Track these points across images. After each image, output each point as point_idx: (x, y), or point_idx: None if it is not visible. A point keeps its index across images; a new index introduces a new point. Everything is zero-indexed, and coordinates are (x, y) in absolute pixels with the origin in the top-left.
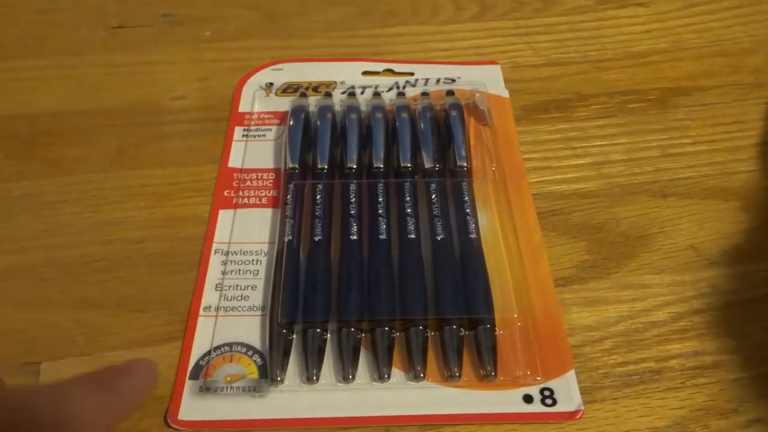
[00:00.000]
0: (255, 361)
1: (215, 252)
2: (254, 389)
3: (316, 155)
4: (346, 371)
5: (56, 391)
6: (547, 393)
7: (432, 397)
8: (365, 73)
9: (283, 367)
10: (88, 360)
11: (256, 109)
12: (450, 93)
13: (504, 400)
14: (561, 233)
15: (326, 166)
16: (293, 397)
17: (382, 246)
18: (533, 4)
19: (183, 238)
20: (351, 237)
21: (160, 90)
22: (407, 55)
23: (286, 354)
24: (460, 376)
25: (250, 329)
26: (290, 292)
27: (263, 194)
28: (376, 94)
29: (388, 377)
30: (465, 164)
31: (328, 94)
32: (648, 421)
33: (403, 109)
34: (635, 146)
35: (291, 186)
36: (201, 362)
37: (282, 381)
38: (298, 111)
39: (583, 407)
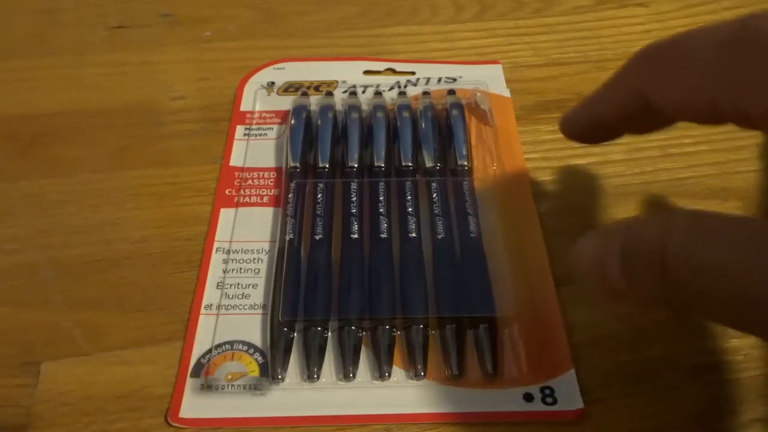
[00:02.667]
0: (256, 360)
1: (216, 250)
2: (255, 387)
3: (318, 154)
4: (347, 369)
5: None
6: (547, 392)
7: (432, 395)
8: (366, 72)
9: (284, 366)
10: (88, 360)
11: (258, 108)
12: (451, 92)
13: (504, 398)
14: (561, 233)
15: (327, 165)
16: (294, 395)
17: (383, 245)
18: (533, 4)
19: (183, 237)
20: (352, 236)
21: (160, 90)
22: (407, 54)
23: (287, 352)
24: (460, 374)
25: (251, 327)
26: (291, 290)
27: (264, 193)
28: (378, 94)
29: (389, 375)
30: (466, 163)
31: (330, 94)
32: (648, 421)
33: (404, 108)
34: (635, 146)
35: (292, 185)
36: (202, 360)
37: (283, 379)
38: (299, 110)
39: (583, 406)
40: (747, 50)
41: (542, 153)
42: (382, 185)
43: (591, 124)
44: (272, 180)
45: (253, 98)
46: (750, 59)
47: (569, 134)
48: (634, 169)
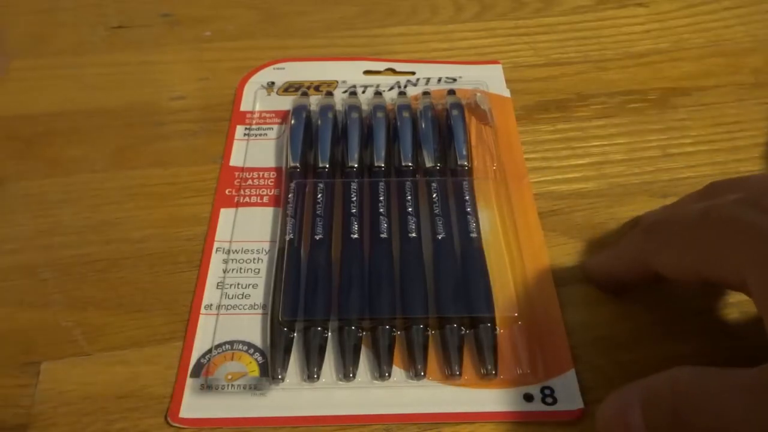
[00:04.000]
0: (256, 359)
1: (216, 250)
2: (255, 387)
3: (318, 154)
4: (347, 369)
5: None
6: (547, 392)
7: (432, 395)
8: (366, 72)
9: (284, 365)
10: (88, 360)
11: (258, 108)
12: (451, 92)
13: (504, 398)
14: (561, 233)
15: (327, 165)
16: (294, 395)
17: (383, 245)
18: (533, 4)
19: (183, 237)
20: (352, 236)
21: (160, 90)
22: (407, 54)
23: (287, 352)
24: (460, 374)
25: (251, 327)
26: (291, 290)
27: (264, 193)
28: (378, 94)
29: (389, 375)
30: (466, 163)
31: (330, 94)
32: None
33: (404, 108)
34: (635, 146)
35: (292, 185)
36: (202, 360)
37: (283, 379)
38: (299, 110)
39: (583, 406)
40: (711, 229)
41: (542, 153)
42: (382, 185)
43: (612, 282)
44: (272, 180)
45: (253, 98)
46: (714, 237)
47: (595, 285)
48: (634, 169)
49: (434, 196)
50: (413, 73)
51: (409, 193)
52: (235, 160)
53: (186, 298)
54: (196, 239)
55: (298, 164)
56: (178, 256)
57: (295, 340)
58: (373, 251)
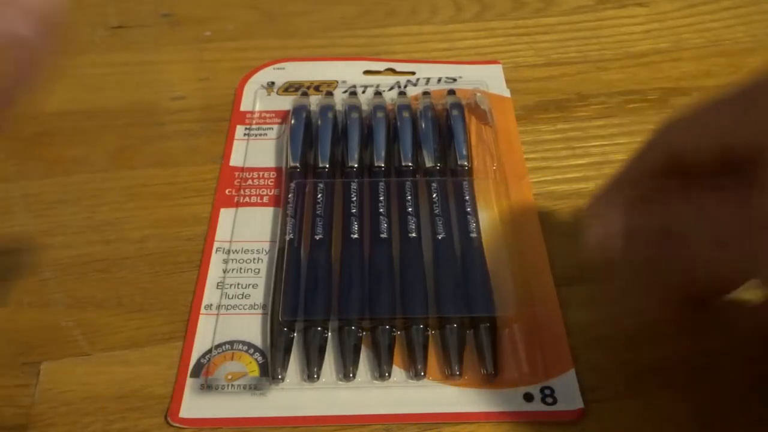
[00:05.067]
0: (256, 359)
1: (216, 250)
2: (255, 387)
3: (318, 154)
4: (347, 369)
5: None
6: (547, 392)
7: (432, 395)
8: (366, 72)
9: (284, 365)
10: (88, 360)
11: (258, 108)
12: (451, 92)
13: (504, 398)
14: (561, 233)
15: (327, 165)
16: (294, 395)
17: (383, 245)
18: (533, 4)
19: (183, 237)
20: (352, 236)
21: (160, 90)
22: (407, 54)
23: (287, 352)
24: (460, 374)
25: (251, 327)
26: (291, 290)
27: (264, 193)
28: (378, 94)
29: (389, 375)
30: (466, 163)
31: (330, 94)
32: (648, 421)
33: (404, 108)
34: (635, 146)
35: (292, 185)
36: (202, 360)
37: (283, 379)
38: (299, 110)
39: (583, 406)
40: (736, 99)
41: (542, 153)
42: (382, 185)
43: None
44: (272, 180)
45: (253, 98)
46: (741, 103)
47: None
48: None
49: (434, 196)
50: (413, 73)
51: (409, 193)
52: (235, 160)
53: (186, 298)
54: (196, 239)
55: (298, 164)
56: (178, 256)
57: (295, 340)
58: (373, 251)
